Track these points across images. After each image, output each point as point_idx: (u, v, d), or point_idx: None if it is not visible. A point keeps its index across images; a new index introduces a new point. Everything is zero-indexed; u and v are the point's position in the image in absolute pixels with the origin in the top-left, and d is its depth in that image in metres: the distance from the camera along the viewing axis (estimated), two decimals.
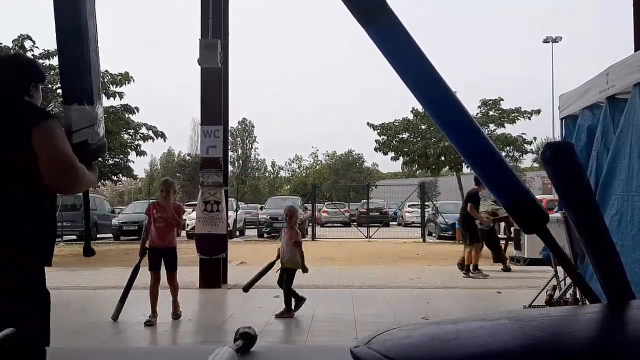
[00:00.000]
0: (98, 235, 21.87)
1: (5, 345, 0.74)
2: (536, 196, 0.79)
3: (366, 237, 20.52)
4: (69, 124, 2.38)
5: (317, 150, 59.80)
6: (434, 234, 21.49)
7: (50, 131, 2.14)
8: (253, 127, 60.95)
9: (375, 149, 20.55)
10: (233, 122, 57.36)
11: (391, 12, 0.73)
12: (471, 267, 9.59)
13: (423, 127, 19.44)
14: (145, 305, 6.27)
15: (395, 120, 20.22)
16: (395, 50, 0.75)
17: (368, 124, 20.45)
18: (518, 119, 18.62)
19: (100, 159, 17.13)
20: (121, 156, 17.17)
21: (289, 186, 56.71)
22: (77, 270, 10.74)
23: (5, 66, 2.37)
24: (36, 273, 2.19)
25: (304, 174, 57.77)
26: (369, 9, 0.72)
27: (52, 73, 14.62)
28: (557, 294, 5.68)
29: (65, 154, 2.16)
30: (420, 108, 18.09)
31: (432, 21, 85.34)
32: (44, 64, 14.73)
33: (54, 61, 14.80)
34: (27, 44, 14.46)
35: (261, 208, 25.99)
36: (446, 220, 20.13)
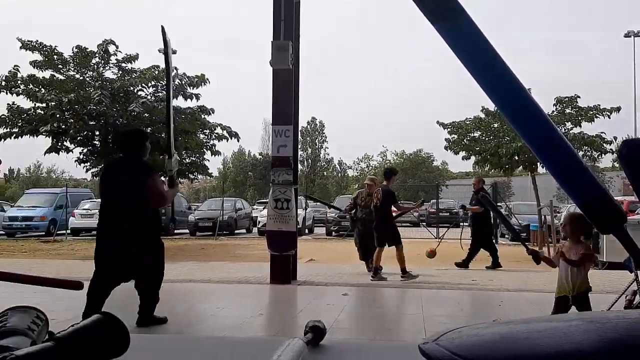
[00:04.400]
0: (175, 231, 22.74)
1: (94, 331, 0.76)
2: (616, 198, 0.77)
3: (435, 238, 20.17)
4: (170, 169, 5.44)
5: (387, 149, 59.11)
6: (507, 236, 20.83)
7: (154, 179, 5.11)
8: (324, 127, 61.29)
9: (446, 148, 20.06)
10: (302, 122, 58.03)
11: (462, 9, 0.73)
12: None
13: (495, 125, 18.77)
14: (220, 298, 6.47)
15: (467, 118, 19.63)
16: (467, 49, 0.74)
17: (438, 122, 20.00)
18: (597, 117, 17.63)
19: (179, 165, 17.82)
20: (197, 155, 17.73)
21: (357, 185, 56.61)
22: None
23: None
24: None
25: (372, 173, 57.44)
26: (440, 6, 0.73)
27: (134, 76, 15.30)
28: (637, 298, 5.39)
29: (161, 190, 5.20)
30: (491, 106, 17.56)
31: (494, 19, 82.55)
32: (126, 68, 15.45)
33: (135, 65, 15.49)
34: (111, 48, 15.22)
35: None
36: (520, 221, 19.45)
